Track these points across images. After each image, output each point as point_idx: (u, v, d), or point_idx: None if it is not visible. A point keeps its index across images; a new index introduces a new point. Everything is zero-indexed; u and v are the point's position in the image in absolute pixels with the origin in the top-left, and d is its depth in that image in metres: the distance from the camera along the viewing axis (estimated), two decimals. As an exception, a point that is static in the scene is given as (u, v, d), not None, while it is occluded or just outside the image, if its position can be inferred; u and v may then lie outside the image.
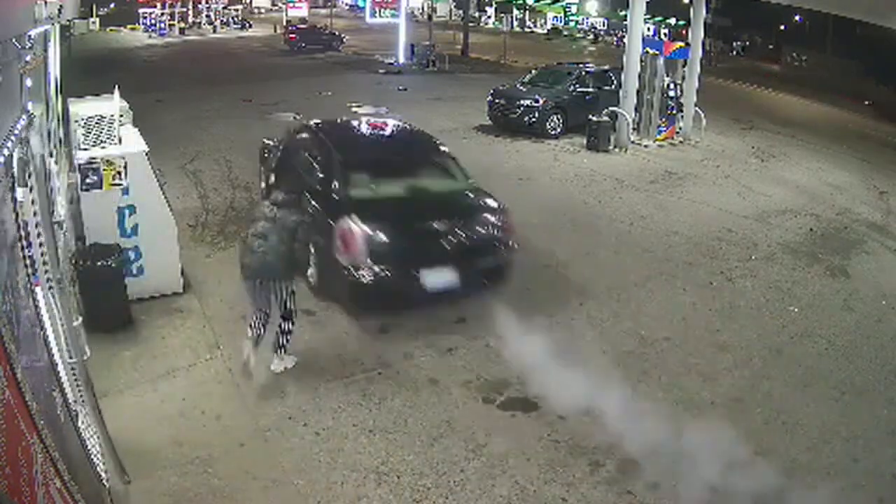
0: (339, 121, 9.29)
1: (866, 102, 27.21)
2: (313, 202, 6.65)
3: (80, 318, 4.25)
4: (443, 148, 7.91)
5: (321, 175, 7.16)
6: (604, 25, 54.02)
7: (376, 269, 6.21)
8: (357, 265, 6.03)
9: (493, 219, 6.98)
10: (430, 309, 7.03)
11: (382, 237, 6.29)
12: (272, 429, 5.20)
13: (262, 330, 5.58)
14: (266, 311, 5.60)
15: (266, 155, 9.07)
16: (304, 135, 8.15)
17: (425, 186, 7.13)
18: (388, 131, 8.60)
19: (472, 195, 7.21)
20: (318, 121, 8.65)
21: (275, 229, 5.43)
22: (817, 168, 14.83)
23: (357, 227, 5.60)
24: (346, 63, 28.98)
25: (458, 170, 7.53)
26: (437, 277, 6.40)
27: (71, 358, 3.90)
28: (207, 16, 45.15)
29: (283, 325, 5.69)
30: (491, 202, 7.18)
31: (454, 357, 6.33)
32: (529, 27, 58.18)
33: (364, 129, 8.70)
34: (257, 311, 5.59)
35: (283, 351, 5.78)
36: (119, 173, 6.48)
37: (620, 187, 12.05)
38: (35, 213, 3.93)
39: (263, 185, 8.94)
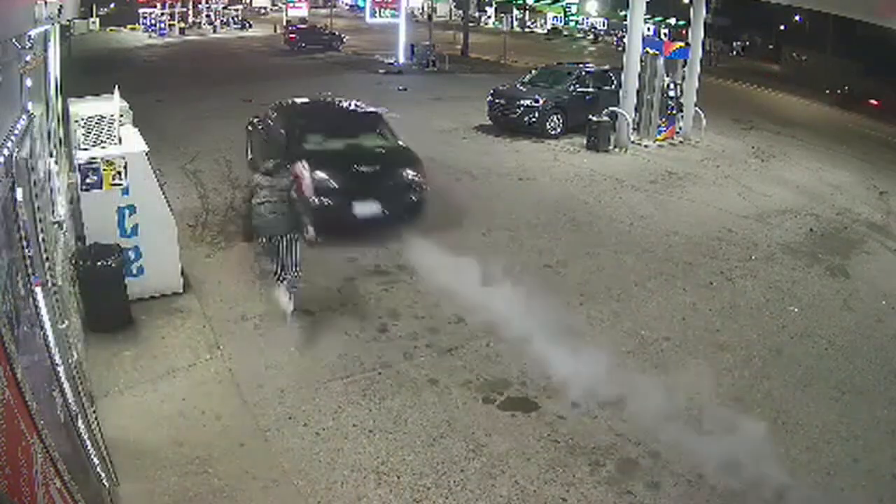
0: (304, 99, 11.16)
1: (826, 91, 28.56)
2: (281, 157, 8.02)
3: (67, 322, 4.24)
4: (382, 119, 9.94)
5: (286, 136, 9.12)
6: (604, 25, 53.99)
7: (320, 200, 7.72)
8: (306, 199, 7.09)
9: (412, 169, 8.91)
10: (426, 305, 7.06)
11: (324, 177, 8.08)
12: (272, 429, 5.20)
13: (286, 278, 6.57)
14: (280, 263, 6.54)
15: (250, 129, 11.02)
16: (278, 110, 10.15)
17: (362, 144, 9.24)
18: (340, 106, 10.71)
19: (397, 151, 9.22)
20: (288, 99, 10.72)
21: (273, 194, 6.40)
22: (817, 168, 14.83)
23: (305, 170, 6.78)
24: (346, 63, 28.97)
25: (391, 135, 9.58)
26: (365, 208, 8.38)
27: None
28: (207, 16, 45.08)
29: (294, 275, 6.56)
30: (411, 157, 9.12)
31: (454, 357, 6.33)
32: (530, 27, 58.14)
33: (322, 104, 11.04)
34: (280, 267, 6.55)
35: (292, 298, 6.65)
36: (119, 173, 6.48)
37: (620, 187, 12.04)
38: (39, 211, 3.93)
39: (250, 153, 10.98)
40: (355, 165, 8.64)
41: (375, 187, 8.46)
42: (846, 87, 28.08)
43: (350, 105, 10.62)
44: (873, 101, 26.26)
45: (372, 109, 10.46)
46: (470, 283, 7.75)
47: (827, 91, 28.48)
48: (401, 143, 9.44)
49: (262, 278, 7.64)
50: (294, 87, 20.73)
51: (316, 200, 7.38)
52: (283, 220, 6.38)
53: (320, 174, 7.95)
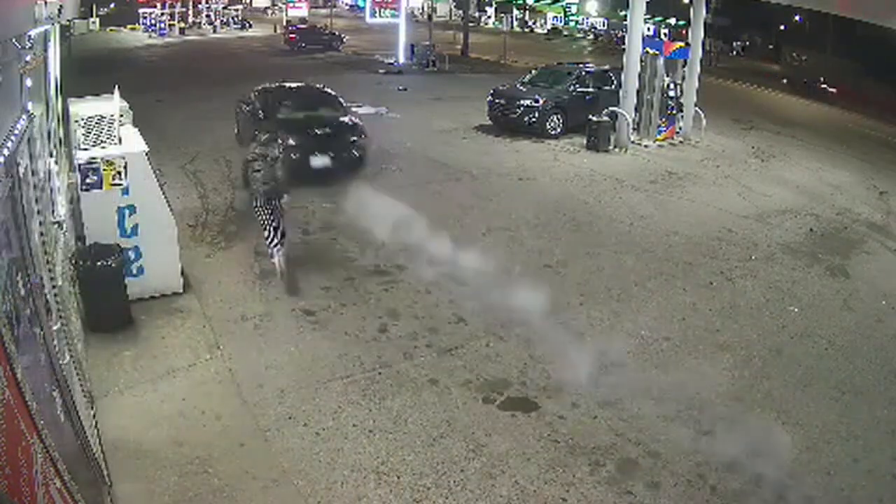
0: (277, 83, 13.15)
1: (784, 81, 31.97)
2: (259, 127, 10.15)
3: (60, 323, 4.24)
4: (336, 97, 12.41)
5: (263, 111, 11.48)
6: (604, 25, 53.97)
7: (287, 155, 9.14)
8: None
9: (356, 133, 11.33)
10: (425, 305, 7.07)
11: (290, 139, 10.02)
12: (272, 429, 5.20)
13: (275, 236, 7.47)
14: (271, 222, 7.46)
15: (238, 110, 12.84)
16: (258, 92, 12.28)
17: (320, 115, 11.67)
18: (306, 88, 13.26)
19: (346, 120, 11.66)
20: (266, 84, 12.82)
21: (266, 162, 7.56)
22: (817, 168, 14.83)
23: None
24: (346, 63, 28.97)
25: (342, 107, 12.13)
26: (319, 161, 10.61)
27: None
28: (207, 16, 45.03)
29: (279, 229, 7.48)
30: (356, 125, 11.57)
31: (454, 357, 6.33)
32: (531, 27, 58.03)
33: (292, 86, 13.08)
34: (266, 225, 7.51)
35: (279, 251, 7.50)
36: (119, 173, 6.48)
37: (620, 187, 12.04)
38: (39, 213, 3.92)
39: (237, 129, 12.85)
40: (313, 130, 10.97)
41: (327, 146, 10.78)
42: (806, 79, 31.23)
43: (313, 86, 13.25)
44: (832, 89, 29.76)
45: (329, 90, 12.79)
46: (469, 283, 7.76)
47: (784, 81, 31.72)
48: (350, 114, 12.14)
49: (262, 278, 7.65)
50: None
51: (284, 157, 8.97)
52: (273, 183, 7.53)
53: (287, 137, 9.95)
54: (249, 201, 8.05)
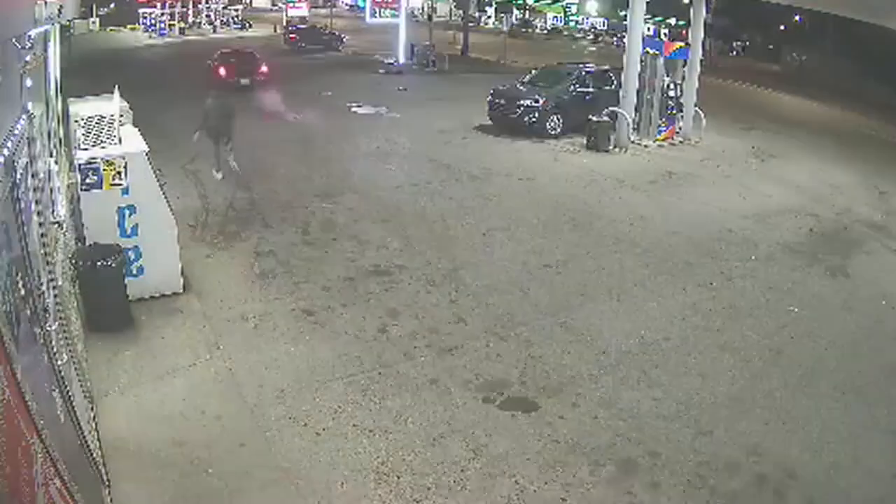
0: (229, 48, 22.83)
1: (760, 61, 35.65)
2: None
3: (59, 323, 4.24)
4: (255, 55, 21.82)
5: (218, 60, 20.92)
6: (604, 25, 54.01)
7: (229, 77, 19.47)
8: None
9: (261, 67, 20.85)
10: (425, 305, 7.07)
11: (231, 69, 19.57)
12: (272, 429, 5.20)
13: (217, 160, 11.08)
14: (217, 152, 11.00)
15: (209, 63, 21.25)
16: (217, 53, 21.35)
17: (246, 60, 21.22)
18: (241, 50, 22.44)
19: (259, 59, 21.34)
20: (222, 49, 22.05)
21: (218, 109, 10.97)
22: (817, 168, 14.82)
23: (223, 68, 20.10)
24: (346, 63, 28.95)
25: (259, 57, 21.48)
26: (243, 80, 19.94)
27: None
28: (207, 16, 45.03)
29: (225, 156, 11.00)
30: (262, 64, 21.12)
31: (454, 357, 6.33)
32: (534, 26, 57.88)
33: (235, 49, 22.61)
34: (215, 154, 11.03)
35: (221, 168, 11.05)
36: (119, 173, 6.48)
37: (620, 187, 12.04)
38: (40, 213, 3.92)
39: (208, 84, 18.00)
40: (242, 65, 20.34)
41: (247, 73, 20.01)
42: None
43: (245, 49, 22.96)
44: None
45: (253, 51, 22.54)
46: (469, 283, 7.76)
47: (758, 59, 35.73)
48: (261, 60, 21.18)
49: (261, 278, 7.65)
50: (293, 88, 20.75)
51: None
52: (223, 126, 10.90)
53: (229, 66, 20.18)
54: (202, 135, 10.94)
